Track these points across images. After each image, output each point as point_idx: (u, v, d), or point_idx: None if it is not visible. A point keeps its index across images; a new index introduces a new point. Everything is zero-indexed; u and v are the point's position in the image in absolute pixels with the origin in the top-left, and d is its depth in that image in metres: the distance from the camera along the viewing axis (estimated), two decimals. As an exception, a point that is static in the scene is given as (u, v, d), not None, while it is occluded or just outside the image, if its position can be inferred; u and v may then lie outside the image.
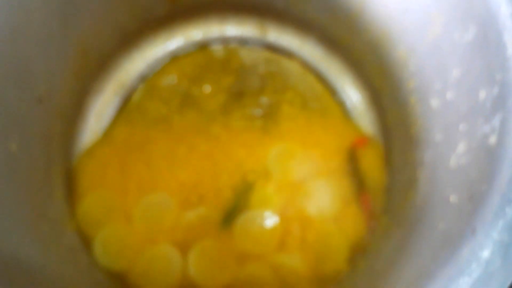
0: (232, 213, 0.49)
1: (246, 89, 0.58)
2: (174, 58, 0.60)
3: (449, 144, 0.38)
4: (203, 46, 0.60)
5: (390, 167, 0.51)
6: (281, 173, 0.51)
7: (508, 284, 0.27)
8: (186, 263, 0.47)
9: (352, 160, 0.51)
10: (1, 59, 0.39)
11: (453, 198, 0.34)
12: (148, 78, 0.59)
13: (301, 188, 0.50)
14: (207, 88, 0.57)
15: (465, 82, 0.37)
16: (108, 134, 0.54)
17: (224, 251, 0.47)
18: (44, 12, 0.42)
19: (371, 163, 0.52)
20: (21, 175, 0.42)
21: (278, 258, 0.47)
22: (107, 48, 0.55)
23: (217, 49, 0.60)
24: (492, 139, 0.32)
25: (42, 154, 0.47)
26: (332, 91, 0.57)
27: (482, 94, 0.34)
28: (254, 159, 0.52)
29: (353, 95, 0.56)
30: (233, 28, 0.60)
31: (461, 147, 0.36)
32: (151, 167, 0.51)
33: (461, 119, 0.37)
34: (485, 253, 0.27)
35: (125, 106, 0.56)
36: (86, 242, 0.48)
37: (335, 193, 0.50)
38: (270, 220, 0.49)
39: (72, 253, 0.45)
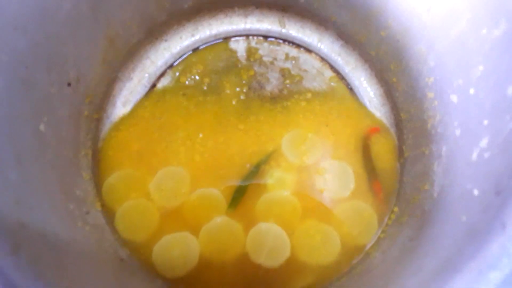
0: (238, 196, 0.47)
1: (266, 83, 0.55)
2: (198, 50, 0.57)
3: (471, 138, 0.35)
4: (226, 39, 0.57)
5: (403, 158, 0.48)
6: (294, 156, 0.48)
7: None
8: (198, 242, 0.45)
9: (365, 148, 0.49)
10: (32, 41, 0.37)
11: (477, 192, 0.31)
12: (172, 69, 0.56)
13: (315, 169, 0.48)
14: (229, 81, 0.54)
15: (491, 78, 0.34)
16: (131, 116, 0.51)
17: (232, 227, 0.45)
18: (76, -4, 0.39)
19: (383, 152, 0.49)
20: (49, 154, 0.39)
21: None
22: (135, 37, 0.52)
23: (239, 43, 0.57)
24: (522, 134, 0.29)
25: (70, 135, 0.45)
26: (348, 85, 0.54)
27: (511, 91, 0.31)
28: (268, 146, 0.49)
29: (368, 88, 0.53)
30: (255, 23, 0.57)
31: (485, 142, 0.33)
32: (169, 148, 0.48)
33: (485, 115, 0.34)
34: (517, 249, 0.24)
35: (150, 93, 0.54)
36: (111, 221, 0.46)
37: (349, 175, 0.47)
38: (289, 199, 0.46)
39: (97, 231, 0.42)
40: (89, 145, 0.49)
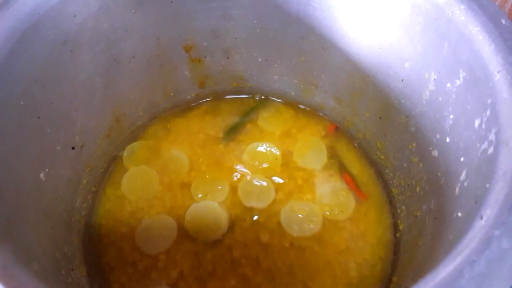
0: (234, 129, 0.59)
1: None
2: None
3: (452, 179, 0.38)
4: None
5: (399, 232, 0.49)
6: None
7: None
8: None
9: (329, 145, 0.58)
10: (48, 96, 0.43)
11: (460, 214, 0.33)
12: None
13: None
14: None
15: (461, 121, 0.38)
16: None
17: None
18: (92, 66, 0.47)
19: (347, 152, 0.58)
20: (44, 202, 0.42)
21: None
22: (139, 120, 0.58)
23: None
24: (490, 150, 0.32)
25: (66, 197, 0.47)
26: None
27: (477, 122, 0.35)
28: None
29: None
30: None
31: (463, 174, 0.36)
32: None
33: (461, 153, 0.37)
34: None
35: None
36: None
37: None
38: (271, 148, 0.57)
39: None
40: (82, 214, 0.51)
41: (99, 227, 0.53)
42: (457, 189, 0.36)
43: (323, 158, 0.57)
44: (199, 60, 0.57)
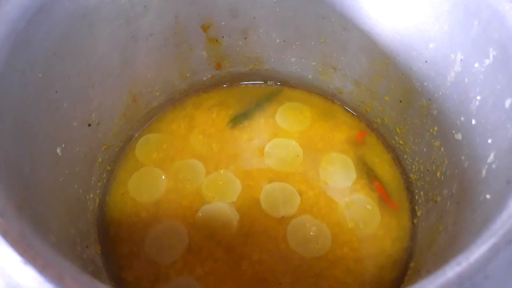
0: (241, 116, 0.57)
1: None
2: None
3: (479, 162, 0.36)
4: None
5: (417, 218, 0.48)
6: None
7: None
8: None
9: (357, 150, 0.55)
10: (66, 70, 0.42)
11: (489, 196, 0.31)
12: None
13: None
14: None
15: (489, 101, 0.37)
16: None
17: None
18: (110, 42, 0.45)
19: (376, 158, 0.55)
20: (61, 177, 0.41)
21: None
22: (156, 100, 0.57)
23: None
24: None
25: (82, 174, 0.46)
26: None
27: (508, 102, 0.34)
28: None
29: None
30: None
31: (491, 156, 0.34)
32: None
33: (489, 134, 0.36)
34: None
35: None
36: (108, 266, 0.44)
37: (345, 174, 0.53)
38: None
39: (93, 265, 0.41)
40: (97, 193, 0.50)
41: (113, 207, 0.52)
42: (484, 172, 0.35)
43: (352, 175, 0.53)
44: (217, 40, 0.55)
